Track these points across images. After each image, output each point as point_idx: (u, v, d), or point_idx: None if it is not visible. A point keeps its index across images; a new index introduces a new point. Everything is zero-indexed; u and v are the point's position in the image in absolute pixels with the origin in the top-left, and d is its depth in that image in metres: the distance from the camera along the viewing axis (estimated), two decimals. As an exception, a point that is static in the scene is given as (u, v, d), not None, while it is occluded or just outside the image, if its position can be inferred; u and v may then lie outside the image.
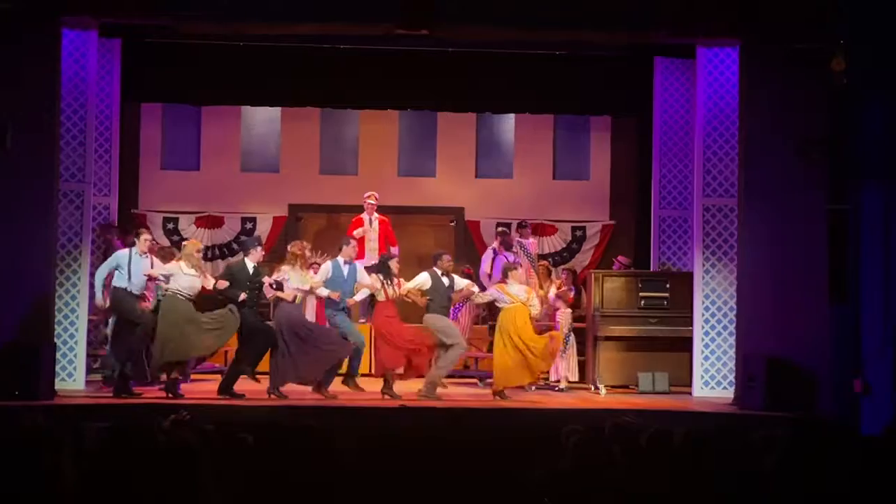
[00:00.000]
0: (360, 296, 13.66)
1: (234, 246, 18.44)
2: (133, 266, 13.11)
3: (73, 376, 13.60)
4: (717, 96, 14.42)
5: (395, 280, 13.49)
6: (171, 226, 18.43)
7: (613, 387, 14.70)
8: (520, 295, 13.56)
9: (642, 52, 15.98)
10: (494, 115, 18.85)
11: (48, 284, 13.19)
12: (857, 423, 12.40)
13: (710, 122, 14.46)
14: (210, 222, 18.56)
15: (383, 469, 6.17)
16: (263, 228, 18.43)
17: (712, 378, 14.30)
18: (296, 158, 18.96)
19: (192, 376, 14.88)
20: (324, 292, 13.30)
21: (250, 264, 13.27)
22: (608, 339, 14.76)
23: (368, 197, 16.19)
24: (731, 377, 14.06)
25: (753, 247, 13.59)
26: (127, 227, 15.71)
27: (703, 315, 14.32)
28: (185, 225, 18.47)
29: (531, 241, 16.44)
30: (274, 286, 13.13)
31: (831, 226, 13.28)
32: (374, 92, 16.39)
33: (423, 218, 18.68)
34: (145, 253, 13.26)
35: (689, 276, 14.77)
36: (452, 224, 18.95)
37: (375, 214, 16.04)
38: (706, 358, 14.32)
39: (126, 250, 13.35)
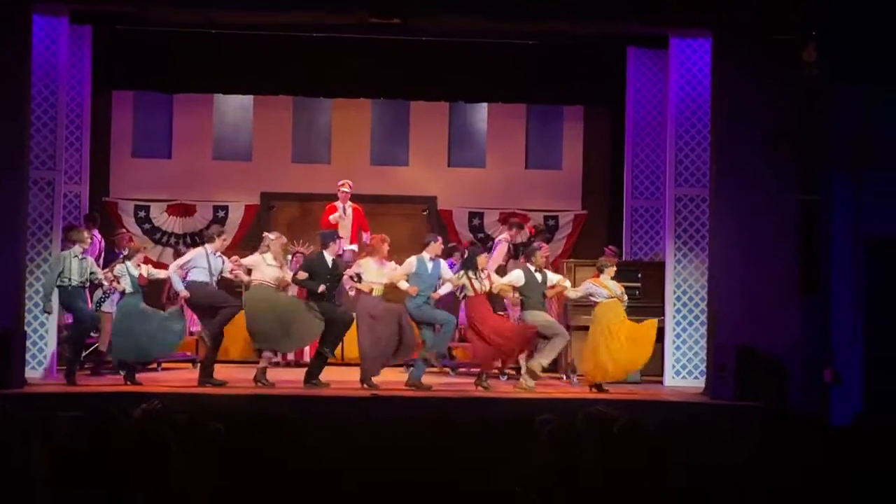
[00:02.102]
0: (444, 290, 13.52)
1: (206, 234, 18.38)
2: (212, 262, 13.19)
3: (43, 365, 13.54)
4: (689, 87, 14.45)
5: (484, 274, 13.57)
6: (142, 214, 18.36)
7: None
8: (615, 289, 13.57)
9: (615, 42, 15.98)
10: (467, 104, 18.83)
11: (18, 273, 13.11)
12: (827, 413, 12.49)
13: (682, 112, 14.50)
14: (182, 210, 18.49)
15: (356, 457, 6.17)
16: (235, 217, 18.39)
17: (683, 368, 14.36)
18: (268, 147, 18.92)
19: (164, 365, 14.86)
20: (403, 286, 13.31)
21: (328, 257, 13.39)
22: (581, 328, 14.75)
23: (342, 185, 16.13)
24: (703, 367, 14.10)
25: (725, 237, 13.64)
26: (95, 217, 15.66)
27: (674, 305, 14.37)
28: (157, 213, 18.39)
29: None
30: (355, 279, 13.29)
31: (802, 216, 13.35)
32: (347, 80, 16.35)
33: (396, 207, 18.65)
34: (218, 252, 13.34)
35: (661, 266, 14.80)
36: (425, 213, 18.94)
37: (349, 203, 15.99)
38: (678, 348, 14.37)
39: (201, 249, 13.37)
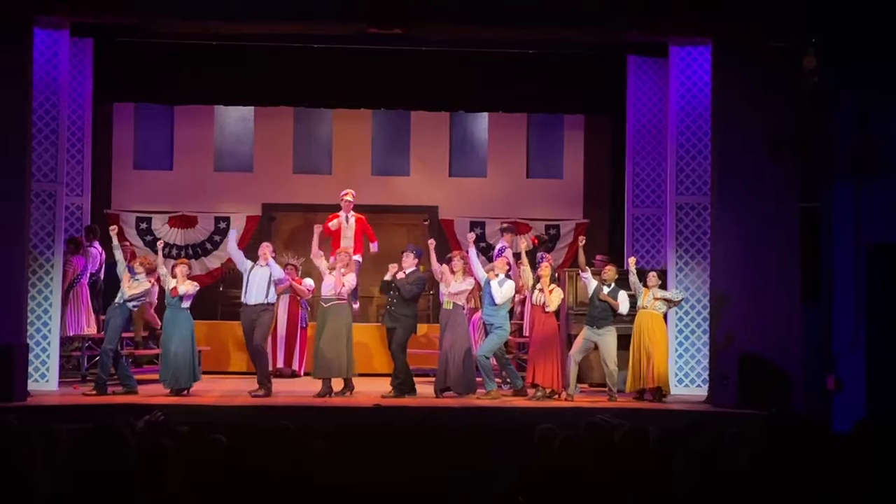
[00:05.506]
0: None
1: (208, 246, 18.41)
2: (251, 279, 13.42)
3: (45, 377, 13.53)
4: (689, 94, 14.46)
5: (547, 287, 13.73)
6: (144, 226, 18.37)
7: (588, 385, 14.70)
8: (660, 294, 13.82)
9: (615, 51, 16.00)
10: (468, 113, 18.87)
11: (21, 285, 13.11)
12: (830, 420, 12.47)
13: (683, 120, 14.50)
14: (183, 222, 18.51)
15: (357, 468, 6.16)
16: (237, 228, 18.36)
17: (686, 376, 14.34)
18: (269, 158, 18.93)
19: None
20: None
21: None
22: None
23: (345, 195, 16.07)
24: (705, 375, 14.10)
25: (726, 245, 13.65)
26: (96, 229, 15.64)
27: (676, 313, 14.36)
28: (159, 225, 18.40)
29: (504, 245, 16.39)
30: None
31: (803, 224, 13.35)
32: (348, 91, 16.36)
33: (397, 217, 18.67)
34: (267, 262, 13.47)
35: (662, 275, 14.78)
36: (426, 223, 18.93)
37: (352, 212, 15.96)
38: (680, 356, 14.35)
39: (249, 263, 13.59)
